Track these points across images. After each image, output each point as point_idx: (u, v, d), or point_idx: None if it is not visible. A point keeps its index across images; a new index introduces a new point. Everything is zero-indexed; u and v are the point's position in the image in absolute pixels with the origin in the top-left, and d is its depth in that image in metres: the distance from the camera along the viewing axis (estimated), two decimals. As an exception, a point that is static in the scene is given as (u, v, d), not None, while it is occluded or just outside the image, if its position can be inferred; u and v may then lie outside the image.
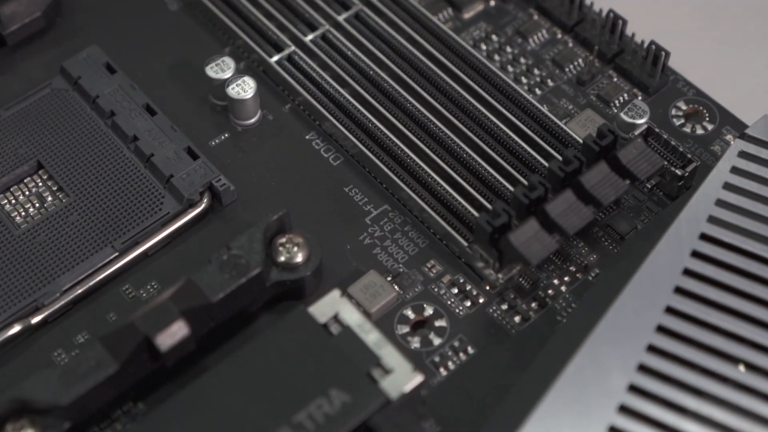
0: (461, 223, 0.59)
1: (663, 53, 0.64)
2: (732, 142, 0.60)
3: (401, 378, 0.51)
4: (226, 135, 0.63)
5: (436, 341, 0.56)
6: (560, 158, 0.59)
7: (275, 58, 0.65)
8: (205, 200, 0.60)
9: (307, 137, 0.63)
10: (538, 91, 0.65)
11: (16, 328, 0.56)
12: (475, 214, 0.58)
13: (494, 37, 0.68)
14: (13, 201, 0.60)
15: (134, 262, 0.58)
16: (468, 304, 0.57)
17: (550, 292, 0.57)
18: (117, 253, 0.58)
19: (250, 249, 0.54)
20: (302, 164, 0.62)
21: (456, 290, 0.58)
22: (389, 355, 0.51)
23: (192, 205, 0.60)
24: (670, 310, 0.52)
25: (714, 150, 0.62)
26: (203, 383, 0.51)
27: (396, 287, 0.57)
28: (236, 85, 0.62)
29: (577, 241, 0.59)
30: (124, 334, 0.52)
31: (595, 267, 0.58)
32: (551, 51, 0.67)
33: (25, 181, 0.61)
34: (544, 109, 0.62)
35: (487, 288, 0.58)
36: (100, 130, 0.62)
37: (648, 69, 0.65)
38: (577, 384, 0.50)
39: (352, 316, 0.52)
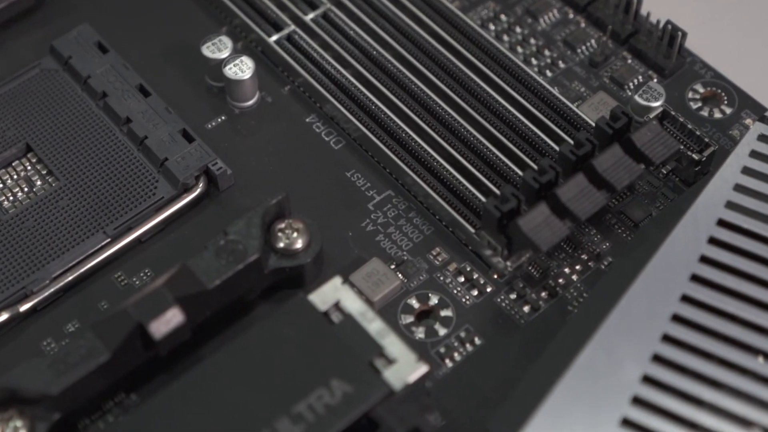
0: (468, 209, 0.59)
1: (679, 33, 0.64)
2: (751, 126, 0.60)
3: (405, 368, 0.51)
4: (223, 117, 0.64)
5: (442, 332, 0.56)
6: (572, 142, 0.59)
7: (274, 37, 0.65)
8: (201, 185, 0.60)
9: (307, 120, 0.64)
10: (548, 73, 0.65)
11: (3, 316, 0.56)
12: (483, 199, 0.58)
13: (503, 17, 0.68)
14: (1, 185, 0.61)
15: (127, 248, 0.59)
16: (475, 293, 0.58)
17: (560, 281, 0.58)
18: (109, 239, 0.58)
19: (247, 234, 0.55)
20: (302, 148, 0.63)
21: (462, 279, 0.58)
22: (392, 344, 0.52)
23: (187, 189, 0.60)
24: (686, 299, 0.52)
25: (732, 134, 0.63)
26: (199, 373, 0.52)
27: (400, 275, 0.58)
28: (234, 66, 0.63)
29: (589, 228, 0.59)
30: (117, 321, 0.52)
31: (608, 255, 0.59)
32: (563, 31, 0.67)
33: (13, 164, 0.61)
34: (555, 92, 0.63)
35: (495, 276, 0.58)
36: (91, 112, 0.62)
37: (664, 50, 0.65)
38: (588, 375, 0.50)
39: (353, 304, 0.53)
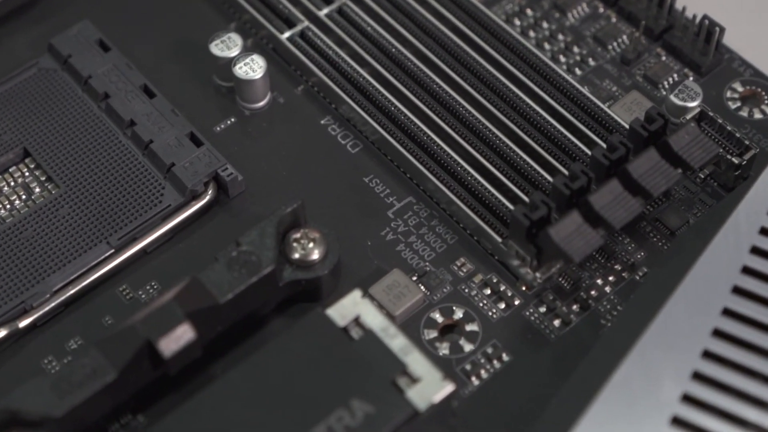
0: (494, 217, 0.59)
1: (717, 29, 0.64)
2: (795, 127, 0.60)
3: (430, 387, 0.51)
4: (233, 119, 0.64)
5: (467, 347, 0.56)
6: (604, 145, 0.59)
7: (287, 34, 0.66)
8: (210, 191, 0.60)
9: (322, 122, 0.64)
10: (578, 71, 0.66)
11: (1, 333, 0.56)
12: (510, 206, 0.59)
13: (529, 12, 0.68)
14: (-3, 192, 0.61)
15: (132, 259, 0.59)
16: (502, 306, 0.58)
17: (593, 293, 0.58)
18: (113, 250, 0.59)
19: (261, 245, 0.55)
20: (317, 151, 0.63)
21: (489, 291, 0.58)
22: (416, 361, 0.52)
23: (195, 196, 0.60)
24: (728, 312, 0.52)
25: (774, 136, 0.63)
26: (210, 393, 0.52)
27: (422, 288, 0.58)
28: (244, 65, 0.63)
29: (623, 237, 0.59)
30: (123, 338, 0.52)
31: (643, 265, 0.59)
32: (593, 27, 0.67)
33: (10, 170, 0.61)
34: (586, 91, 0.63)
35: (524, 288, 0.58)
36: (92, 114, 0.63)
37: (700, 46, 0.65)
38: (624, 395, 0.50)
39: (375, 319, 0.53)
